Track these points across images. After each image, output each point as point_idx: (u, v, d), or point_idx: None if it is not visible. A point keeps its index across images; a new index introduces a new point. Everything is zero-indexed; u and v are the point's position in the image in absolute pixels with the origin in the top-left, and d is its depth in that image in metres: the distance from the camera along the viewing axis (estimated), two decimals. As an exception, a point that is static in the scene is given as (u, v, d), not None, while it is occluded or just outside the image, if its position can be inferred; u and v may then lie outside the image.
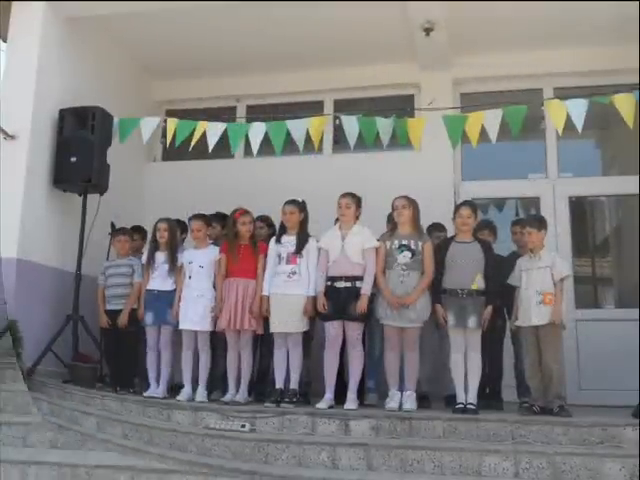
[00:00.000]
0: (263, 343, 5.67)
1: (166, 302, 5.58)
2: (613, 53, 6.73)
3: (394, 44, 6.89)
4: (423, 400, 5.40)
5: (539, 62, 6.94)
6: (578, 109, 5.49)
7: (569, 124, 5.52)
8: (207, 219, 5.81)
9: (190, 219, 5.73)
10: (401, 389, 5.12)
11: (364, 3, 6.19)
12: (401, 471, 4.26)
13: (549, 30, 6.57)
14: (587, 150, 7.35)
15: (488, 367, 5.53)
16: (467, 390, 5.04)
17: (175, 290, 5.61)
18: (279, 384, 5.26)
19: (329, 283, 5.22)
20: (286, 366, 5.28)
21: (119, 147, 6.42)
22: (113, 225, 6.36)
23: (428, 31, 6.39)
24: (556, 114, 5.61)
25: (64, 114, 6.21)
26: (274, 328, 5.30)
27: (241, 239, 5.51)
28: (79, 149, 6.08)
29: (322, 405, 4.97)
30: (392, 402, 5.03)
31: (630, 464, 4.08)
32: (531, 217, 5.71)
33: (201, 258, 5.59)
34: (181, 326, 5.51)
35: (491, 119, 5.66)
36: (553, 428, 4.50)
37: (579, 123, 5.46)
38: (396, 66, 7.26)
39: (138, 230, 6.35)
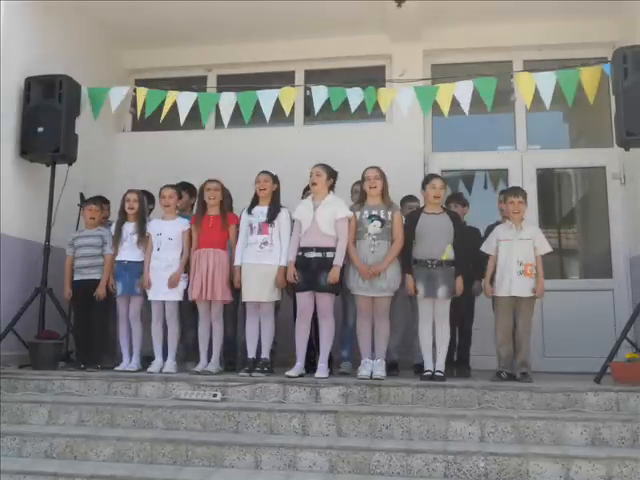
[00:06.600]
0: (229, 313, 5.67)
1: (135, 273, 5.57)
2: (582, 26, 6.79)
3: (366, 15, 6.84)
4: (393, 368, 5.51)
5: (509, 34, 6.97)
6: (546, 83, 5.54)
7: (538, 97, 5.58)
8: (178, 189, 5.80)
9: (162, 188, 5.71)
10: (373, 357, 5.19)
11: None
12: (370, 437, 4.35)
13: (519, 2, 6.56)
14: (556, 123, 7.41)
15: (457, 335, 5.65)
16: (435, 358, 5.13)
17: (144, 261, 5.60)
18: (251, 354, 5.31)
19: (300, 253, 5.24)
20: (258, 335, 5.31)
21: (88, 117, 6.30)
22: (82, 196, 6.29)
23: (400, 2, 6.37)
24: (525, 87, 5.65)
25: (30, 82, 6.07)
26: (247, 297, 5.31)
27: (210, 209, 5.51)
28: (46, 119, 5.96)
29: (292, 373, 5.02)
30: (364, 370, 5.09)
31: (591, 427, 4.24)
32: (516, 188, 5.61)
33: (170, 230, 5.59)
34: (150, 297, 5.52)
35: (462, 90, 5.69)
36: (518, 394, 4.64)
37: (547, 98, 5.52)
38: (367, 37, 7.23)
39: (104, 201, 6.28)
